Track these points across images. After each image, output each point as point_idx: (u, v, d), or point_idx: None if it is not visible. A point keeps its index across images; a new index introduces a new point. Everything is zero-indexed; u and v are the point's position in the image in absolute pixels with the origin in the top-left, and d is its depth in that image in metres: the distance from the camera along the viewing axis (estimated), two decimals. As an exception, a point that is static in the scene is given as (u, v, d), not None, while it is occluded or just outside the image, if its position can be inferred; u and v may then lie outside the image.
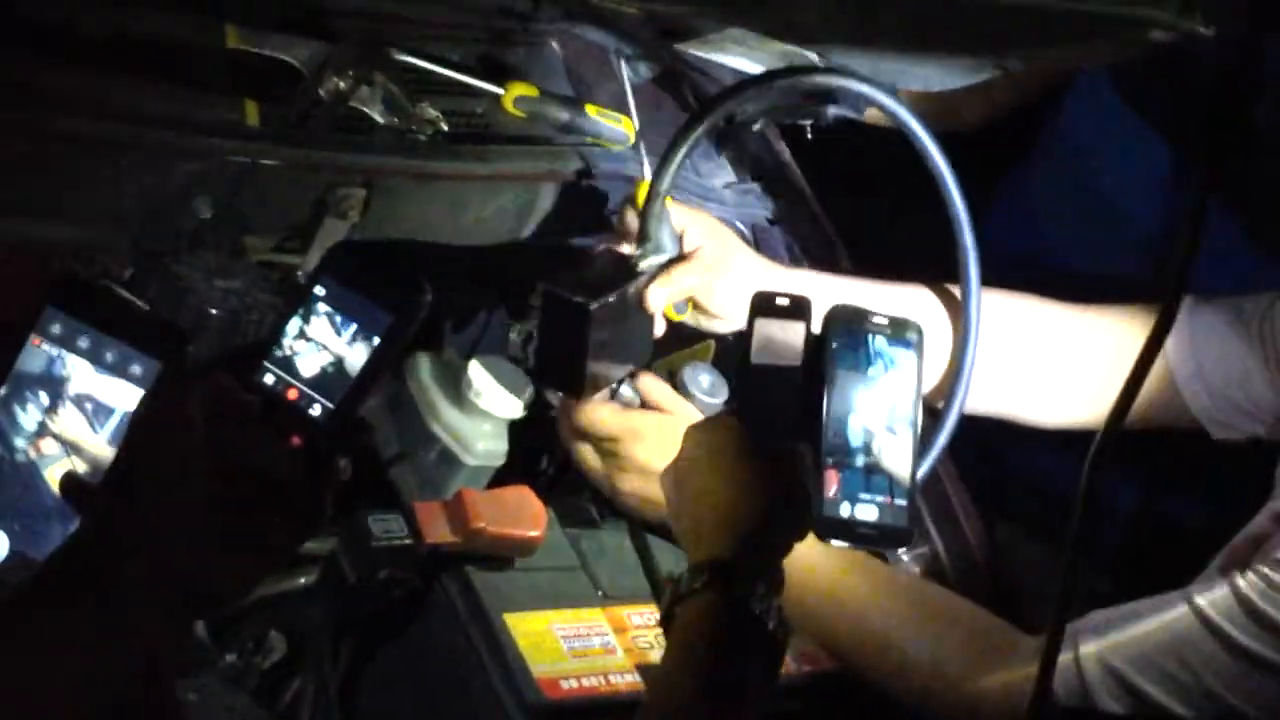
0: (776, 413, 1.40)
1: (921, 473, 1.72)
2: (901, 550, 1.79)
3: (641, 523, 1.69)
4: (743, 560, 1.29)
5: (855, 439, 1.39)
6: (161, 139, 1.53)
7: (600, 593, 1.63)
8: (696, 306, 1.73)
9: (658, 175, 1.65)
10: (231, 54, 1.59)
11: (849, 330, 1.41)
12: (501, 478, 1.71)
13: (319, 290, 1.16)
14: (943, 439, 1.75)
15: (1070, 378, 1.82)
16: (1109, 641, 1.50)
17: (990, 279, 1.82)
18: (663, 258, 1.67)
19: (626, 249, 1.67)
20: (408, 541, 1.52)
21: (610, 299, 1.62)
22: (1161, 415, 1.78)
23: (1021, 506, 2.07)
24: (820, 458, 1.37)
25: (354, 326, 1.15)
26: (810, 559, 1.53)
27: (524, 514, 1.59)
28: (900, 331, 1.43)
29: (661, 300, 1.68)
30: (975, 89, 2.34)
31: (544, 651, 1.52)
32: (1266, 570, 1.48)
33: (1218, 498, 1.90)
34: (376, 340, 1.15)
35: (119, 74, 1.53)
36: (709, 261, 1.70)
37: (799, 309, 1.40)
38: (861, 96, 1.73)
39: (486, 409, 1.69)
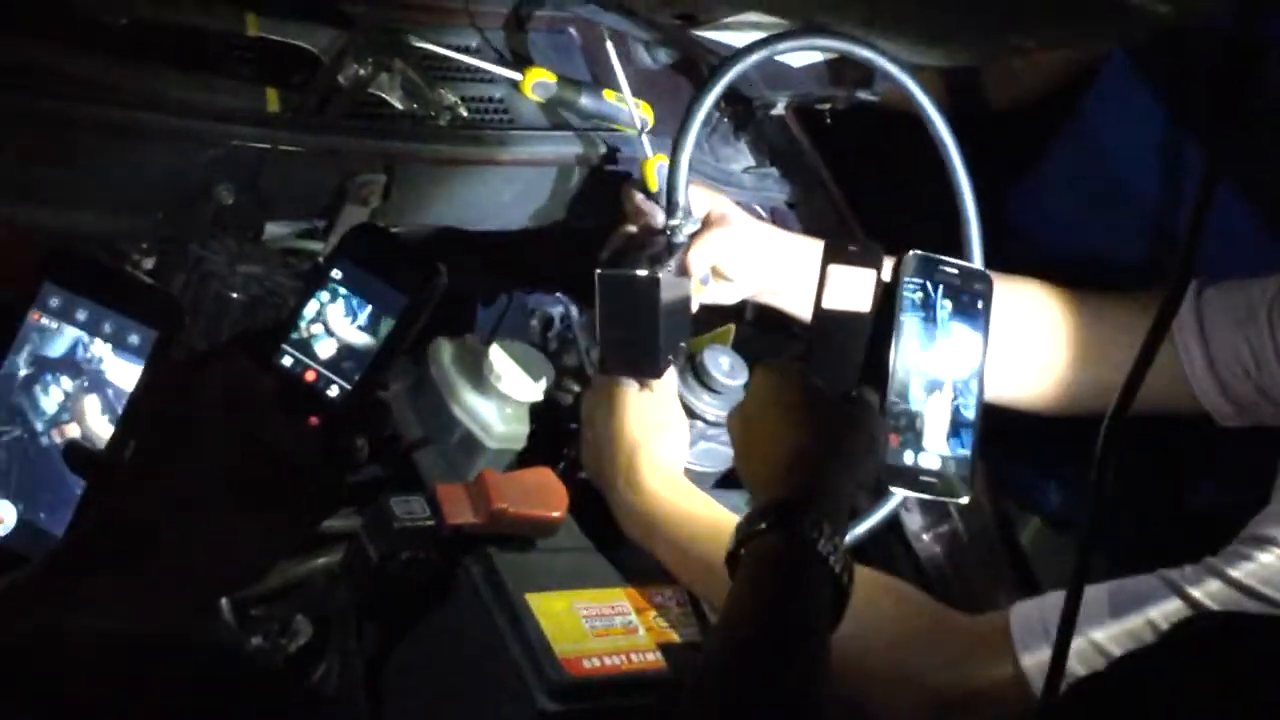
0: (845, 358, 1.40)
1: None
2: (920, 528, 1.80)
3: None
4: (808, 502, 1.29)
5: (921, 387, 1.40)
6: (183, 126, 1.54)
7: (621, 573, 1.64)
8: (717, 272, 1.73)
9: (679, 143, 1.65)
10: (251, 41, 1.61)
11: (919, 279, 1.41)
12: (524, 460, 1.72)
13: (336, 273, 1.18)
14: None
15: (1073, 363, 1.82)
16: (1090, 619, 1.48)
17: (1000, 255, 1.83)
18: (696, 224, 1.68)
19: (632, 228, 1.69)
20: (429, 523, 1.54)
21: (670, 266, 1.63)
22: (1167, 401, 1.77)
23: (1031, 496, 2.08)
24: (886, 405, 1.38)
25: (370, 308, 1.17)
26: None
27: (545, 495, 1.60)
28: (970, 281, 1.44)
29: (704, 265, 1.68)
30: (999, 74, 2.38)
31: (566, 631, 1.53)
32: (1258, 554, 1.48)
33: (1230, 487, 1.90)
34: (393, 321, 1.16)
35: (141, 62, 1.55)
36: (730, 224, 1.71)
37: (870, 255, 1.41)
38: (870, 64, 1.72)
39: (507, 392, 1.71)
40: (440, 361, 1.73)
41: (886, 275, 1.42)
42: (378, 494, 1.56)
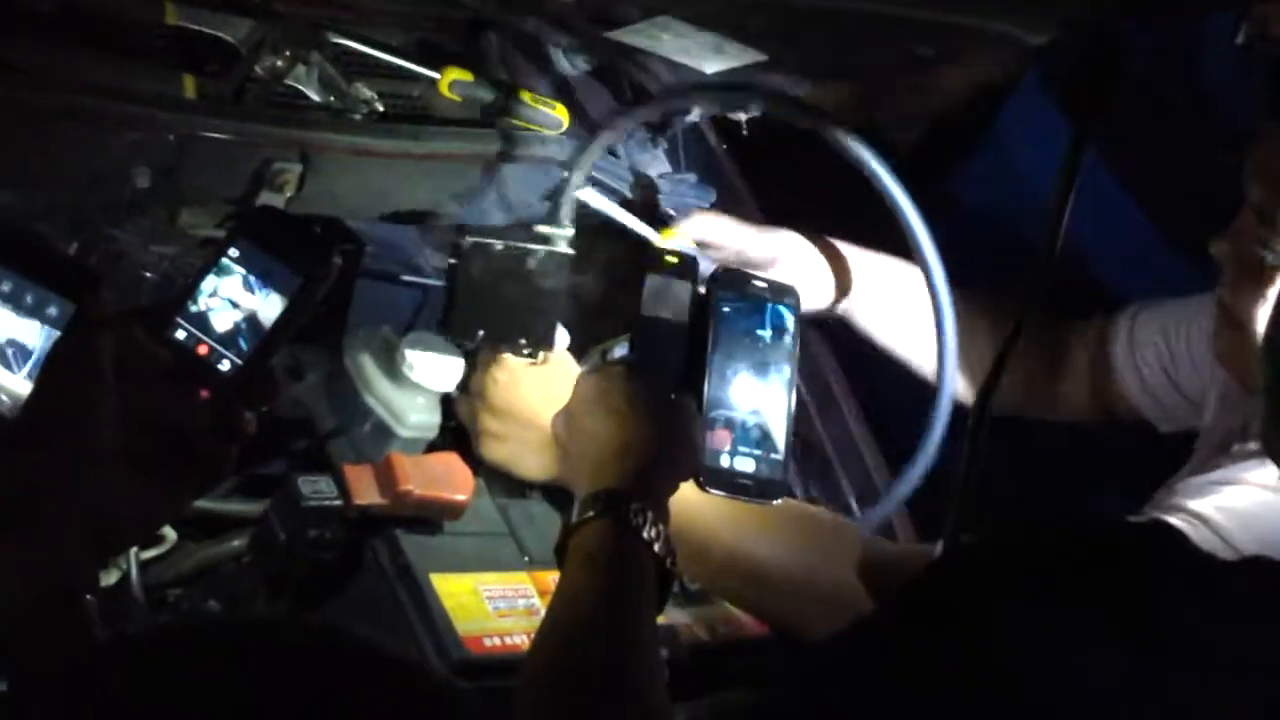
0: (666, 363, 1.47)
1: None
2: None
3: (502, 471, 1.73)
4: (632, 490, 1.36)
5: (735, 395, 1.48)
6: (101, 109, 1.56)
7: (526, 558, 1.68)
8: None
9: (577, 163, 1.80)
10: (171, 30, 1.63)
11: (732, 292, 1.50)
12: (435, 450, 1.75)
13: (233, 251, 1.22)
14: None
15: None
16: None
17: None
18: (568, 231, 1.77)
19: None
20: (337, 503, 1.57)
21: (491, 241, 1.70)
22: (1109, 412, 1.95)
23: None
24: (703, 410, 1.44)
25: (266, 287, 1.21)
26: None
27: (451, 478, 1.63)
28: (780, 295, 1.53)
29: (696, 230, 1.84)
30: (912, 92, 2.43)
31: (469, 610, 1.57)
32: None
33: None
34: (286, 301, 1.21)
35: (60, 46, 1.56)
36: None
37: (686, 268, 1.48)
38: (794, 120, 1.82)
39: (419, 382, 1.74)
40: (355, 352, 1.77)
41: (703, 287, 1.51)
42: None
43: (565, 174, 1.83)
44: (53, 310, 1.20)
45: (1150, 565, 1.05)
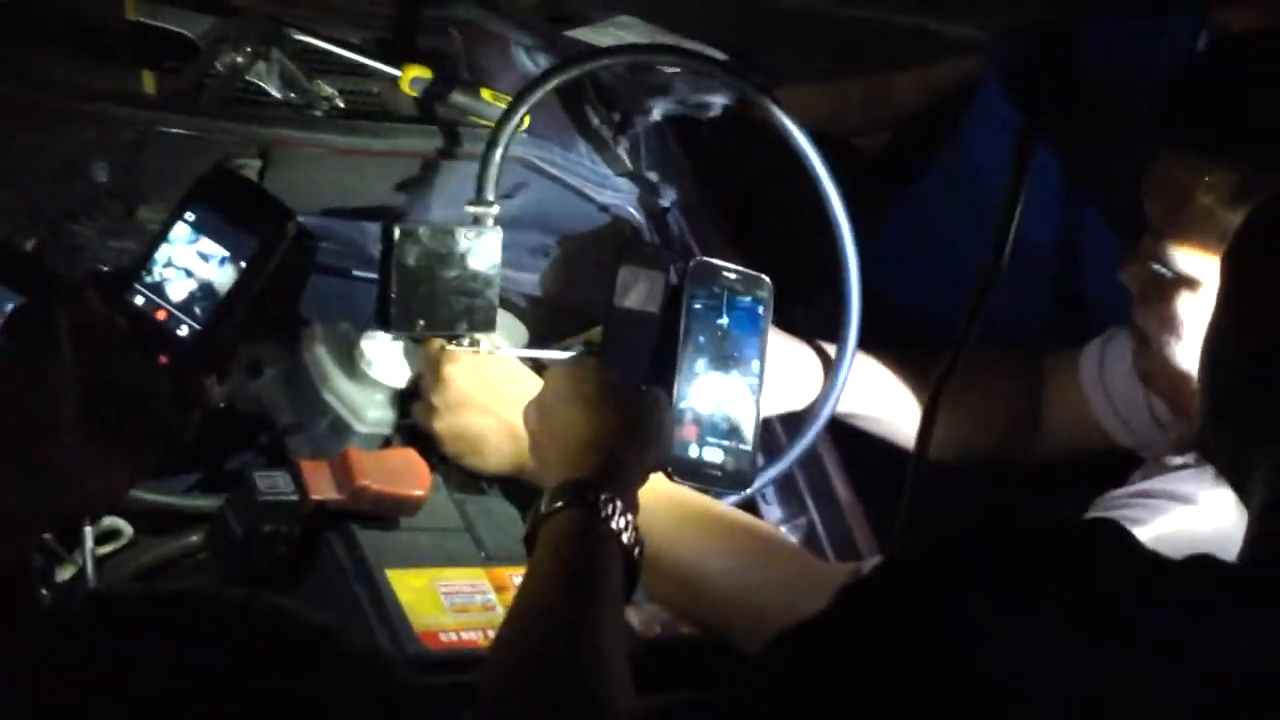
0: (637, 354, 1.48)
1: (796, 454, 1.81)
2: (779, 520, 1.85)
3: (464, 466, 1.73)
4: (602, 480, 1.36)
5: (705, 387, 1.49)
6: (60, 104, 1.57)
7: (483, 554, 1.68)
8: None
9: (496, 134, 1.74)
10: (130, 25, 1.63)
11: (705, 284, 1.51)
12: (392, 445, 1.76)
13: (189, 216, 1.23)
14: (818, 424, 1.83)
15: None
16: None
17: (882, 272, 1.90)
18: (494, 210, 1.73)
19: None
20: (293, 498, 1.57)
21: (419, 228, 1.69)
22: (1090, 442, 1.92)
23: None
24: (674, 401, 1.45)
25: (223, 252, 1.22)
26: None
27: (408, 474, 1.63)
28: (752, 288, 1.54)
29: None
30: (877, 94, 2.45)
31: (425, 606, 1.57)
32: None
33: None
34: (244, 264, 1.22)
35: (18, 40, 1.57)
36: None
37: (659, 259, 1.49)
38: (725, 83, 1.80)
39: (378, 379, 1.74)
40: (314, 347, 1.77)
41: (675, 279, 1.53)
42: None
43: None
44: (6, 305, 1.21)
45: (1098, 560, 1.07)
